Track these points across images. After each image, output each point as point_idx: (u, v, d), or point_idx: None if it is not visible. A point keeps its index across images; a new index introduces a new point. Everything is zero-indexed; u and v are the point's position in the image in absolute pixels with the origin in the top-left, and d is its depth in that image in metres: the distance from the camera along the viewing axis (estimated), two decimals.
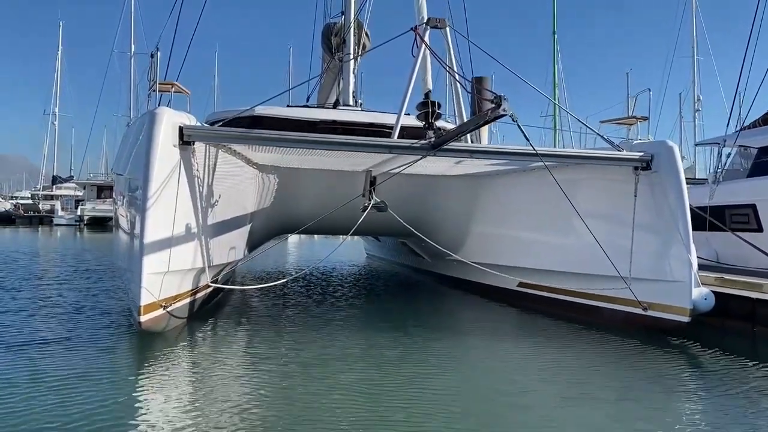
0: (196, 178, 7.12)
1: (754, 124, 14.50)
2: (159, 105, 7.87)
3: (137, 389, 4.91)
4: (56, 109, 63.00)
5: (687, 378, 6.10)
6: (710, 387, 5.67)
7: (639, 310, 7.70)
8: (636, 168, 7.80)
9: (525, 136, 6.68)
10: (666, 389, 5.50)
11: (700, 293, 7.36)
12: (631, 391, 5.36)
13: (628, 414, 4.76)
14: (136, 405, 4.52)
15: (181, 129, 6.61)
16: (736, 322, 8.12)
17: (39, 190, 65.85)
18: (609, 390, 5.41)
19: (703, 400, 5.30)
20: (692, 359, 6.83)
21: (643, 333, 7.63)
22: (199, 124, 7.17)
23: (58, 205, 56.78)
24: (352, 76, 13.01)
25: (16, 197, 71.12)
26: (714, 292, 7.55)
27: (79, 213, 50.53)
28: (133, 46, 51.43)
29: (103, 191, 50.87)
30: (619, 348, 7.11)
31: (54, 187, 63.47)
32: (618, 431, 4.37)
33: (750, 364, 6.45)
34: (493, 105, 5.63)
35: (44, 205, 60.61)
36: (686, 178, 7.87)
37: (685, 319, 7.30)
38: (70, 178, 63.69)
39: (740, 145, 13.81)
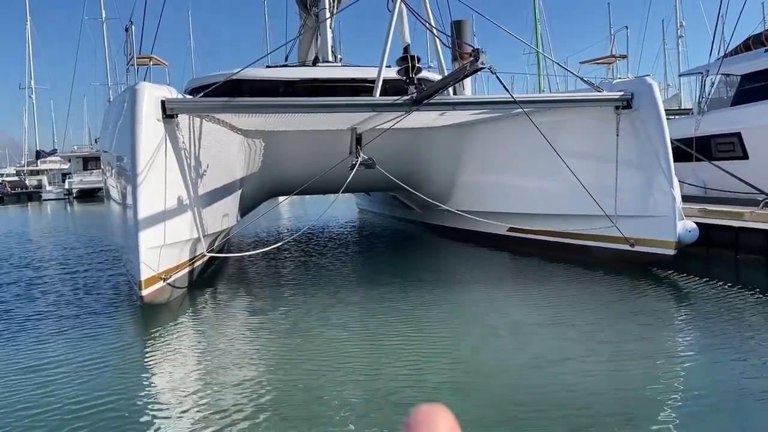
0: (182, 150, 7.16)
1: (736, 51, 14.48)
2: (137, 79, 7.80)
3: (145, 360, 5.10)
4: (32, 82, 61.54)
5: (676, 306, 6.39)
6: (698, 312, 5.99)
7: (626, 247, 7.92)
8: (617, 107, 7.88)
9: (504, 86, 6.73)
10: (657, 318, 5.79)
11: (685, 226, 7.58)
12: (625, 322, 5.62)
13: (623, 342, 5.02)
14: (145, 375, 4.72)
15: (163, 103, 6.62)
16: (720, 250, 8.37)
17: (24, 166, 65.03)
18: (604, 323, 5.67)
19: (692, 324, 5.60)
20: (680, 289, 7.10)
21: (632, 268, 7.87)
22: (180, 95, 7.16)
23: (45, 180, 56.26)
24: (329, 31, 12.84)
25: (2, 175, 70.32)
26: (698, 224, 7.77)
27: (67, 186, 50.14)
28: (103, 11, 49.93)
29: (89, 162, 50.30)
30: (610, 284, 7.37)
31: (38, 161, 62.69)
32: (615, 360, 4.61)
33: (734, 289, 6.74)
34: (471, 58, 5.68)
35: (31, 181, 60.02)
36: (672, 109, 7.99)
37: (671, 252, 7.54)
38: (54, 152, 62.86)
39: (723, 74, 13.82)
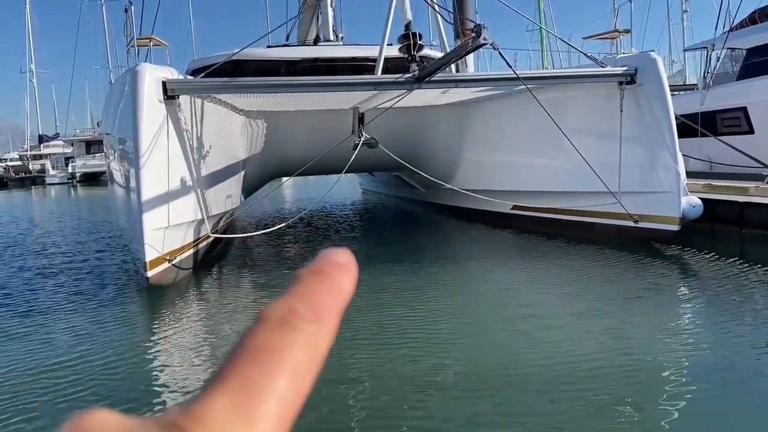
0: (185, 131, 7.15)
1: (741, 25, 14.30)
2: (138, 60, 7.77)
3: (152, 340, 5.14)
4: (33, 66, 61.34)
5: (683, 283, 6.39)
6: (703, 288, 5.99)
7: (630, 223, 7.91)
8: (620, 83, 7.81)
9: (507, 62, 6.68)
10: (665, 294, 5.81)
11: (689, 202, 7.56)
12: (631, 299, 5.63)
13: (630, 317, 5.04)
14: (152, 357, 4.76)
15: (164, 84, 6.59)
16: (724, 226, 8.35)
17: (27, 151, 65.03)
18: (612, 301, 5.66)
19: (700, 301, 5.61)
20: (684, 265, 7.10)
21: (637, 244, 7.86)
22: (181, 76, 7.13)
23: (48, 164, 56.30)
24: (330, 10, 12.72)
25: (5, 160, 70.40)
26: (702, 199, 7.74)
27: (70, 171, 50.17)
28: None
29: (91, 146, 50.26)
30: (614, 260, 7.37)
31: (41, 146, 62.71)
32: (622, 335, 4.63)
33: (739, 264, 6.72)
34: (474, 34, 5.63)
35: (34, 165, 60.08)
36: (677, 84, 7.92)
37: (675, 227, 7.53)
38: (56, 136, 62.84)
39: (729, 48, 13.66)
